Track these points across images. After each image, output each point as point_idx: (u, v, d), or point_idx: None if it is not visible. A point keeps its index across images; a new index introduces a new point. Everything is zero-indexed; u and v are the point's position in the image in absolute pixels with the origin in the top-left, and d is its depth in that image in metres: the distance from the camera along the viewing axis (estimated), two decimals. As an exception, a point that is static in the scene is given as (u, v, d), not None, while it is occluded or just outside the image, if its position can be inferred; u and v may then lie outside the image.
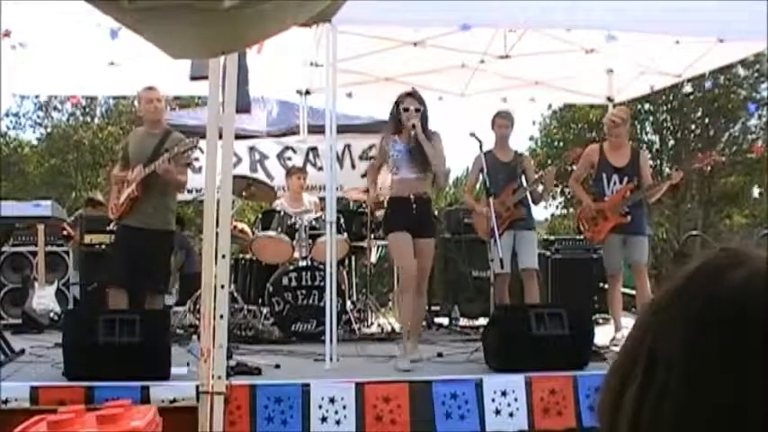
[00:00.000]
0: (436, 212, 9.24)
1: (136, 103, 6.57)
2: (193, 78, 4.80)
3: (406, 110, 5.46)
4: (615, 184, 6.42)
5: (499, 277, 6.39)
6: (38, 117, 23.06)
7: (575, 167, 7.02)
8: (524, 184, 6.61)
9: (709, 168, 8.49)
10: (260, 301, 7.10)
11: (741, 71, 16.35)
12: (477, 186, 6.73)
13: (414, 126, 5.37)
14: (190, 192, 8.94)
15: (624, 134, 6.55)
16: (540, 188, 6.66)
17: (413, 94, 5.59)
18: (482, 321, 7.45)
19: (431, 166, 5.42)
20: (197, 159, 8.67)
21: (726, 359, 0.65)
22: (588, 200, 6.56)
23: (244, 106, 5.44)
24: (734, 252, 0.71)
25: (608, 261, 6.61)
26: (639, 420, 0.68)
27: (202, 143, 5.14)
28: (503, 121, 6.63)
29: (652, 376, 0.68)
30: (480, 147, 6.25)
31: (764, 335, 0.65)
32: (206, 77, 4.43)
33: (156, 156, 5.87)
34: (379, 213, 6.76)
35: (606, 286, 7.00)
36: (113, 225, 6.46)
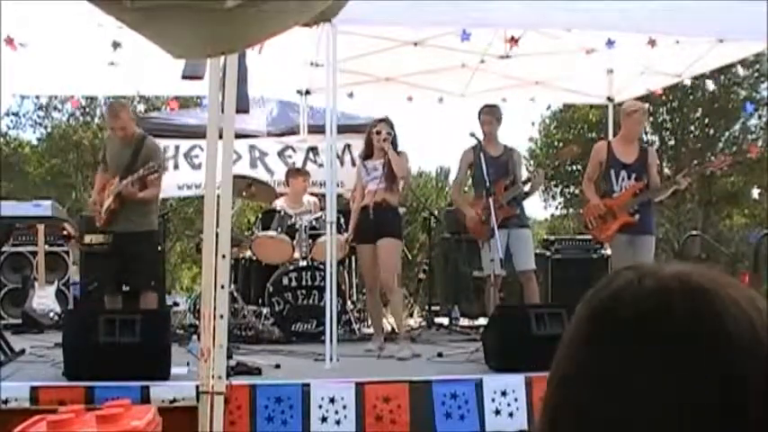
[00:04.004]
0: (436, 212, 9.21)
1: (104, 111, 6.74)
2: (185, 77, 4.79)
3: (378, 132, 6.17)
4: (624, 180, 6.29)
5: (489, 278, 6.30)
6: (38, 117, 23.06)
7: (578, 167, 7.02)
8: (516, 179, 6.47)
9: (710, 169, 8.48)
10: (260, 301, 7.10)
11: (741, 71, 16.35)
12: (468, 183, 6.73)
13: (384, 140, 6.11)
14: (189, 188, 8.95)
15: (639, 131, 6.50)
16: (527, 188, 6.53)
17: (383, 120, 6.34)
18: (482, 321, 7.45)
19: (393, 176, 6.12)
20: (197, 157, 8.69)
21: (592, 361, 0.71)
22: (596, 198, 6.38)
23: (243, 106, 5.44)
24: (633, 267, 0.76)
25: (616, 262, 6.46)
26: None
27: (202, 143, 5.14)
28: (486, 117, 6.52)
29: (554, 390, 0.74)
30: (480, 147, 6.25)
31: (624, 335, 0.70)
32: (198, 77, 4.43)
33: (132, 166, 6.14)
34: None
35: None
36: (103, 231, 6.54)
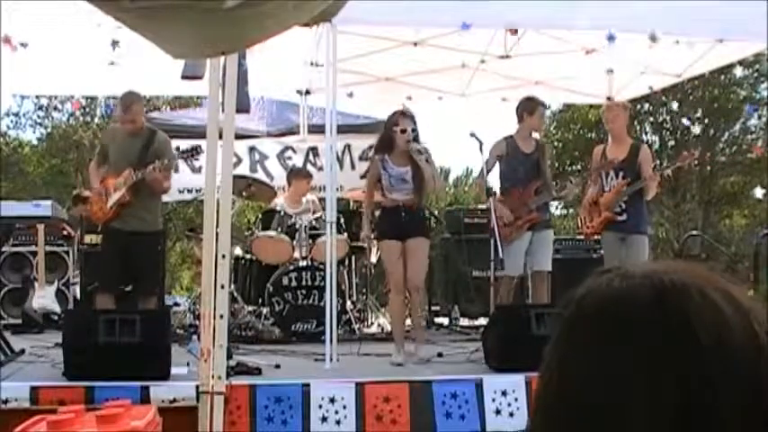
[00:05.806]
0: (436, 212, 9.16)
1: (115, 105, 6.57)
2: (184, 78, 4.79)
3: (404, 131, 5.62)
4: (612, 179, 6.43)
5: (505, 279, 6.28)
6: (38, 117, 23.04)
7: (577, 167, 7.09)
8: (545, 178, 6.41)
9: (708, 168, 8.53)
10: (260, 301, 7.10)
11: (741, 71, 16.34)
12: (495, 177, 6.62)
13: (410, 146, 5.60)
14: (190, 192, 8.92)
15: (621, 128, 6.62)
16: (561, 194, 6.70)
17: (405, 113, 5.83)
18: (482, 321, 7.44)
19: (422, 187, 5.71)
20: (197, 159, 8.65)
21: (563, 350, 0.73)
22: (588, 197, 6.59)
23: (243, 106, 5.44)
24: (612, 268, 0.76)
25: (608, 260, 6.54)
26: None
27: (202, 143, 5.14)
28: (543, 110, 6.53)
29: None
30: (480, 147, 6.21)
31: (585, 336, 0.71)
32: (197, 77, 4.43)
33: (144, 159, 5.92)
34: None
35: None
36: (100, 229, 6.42)
